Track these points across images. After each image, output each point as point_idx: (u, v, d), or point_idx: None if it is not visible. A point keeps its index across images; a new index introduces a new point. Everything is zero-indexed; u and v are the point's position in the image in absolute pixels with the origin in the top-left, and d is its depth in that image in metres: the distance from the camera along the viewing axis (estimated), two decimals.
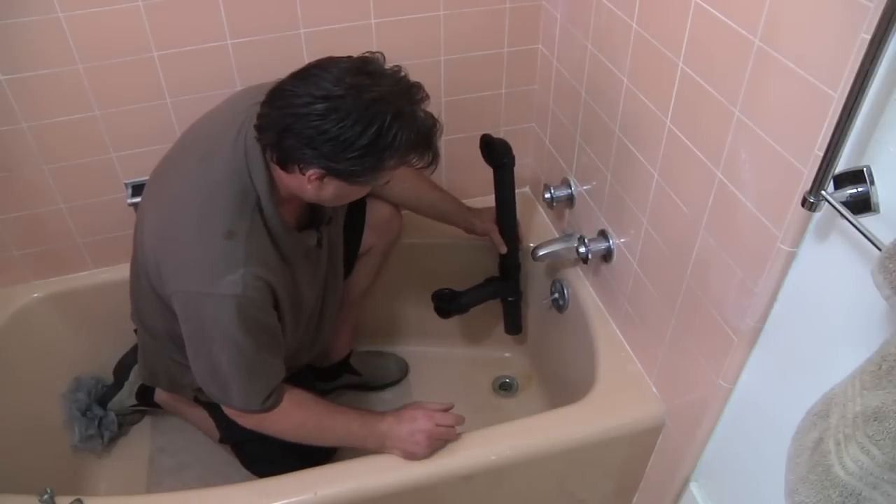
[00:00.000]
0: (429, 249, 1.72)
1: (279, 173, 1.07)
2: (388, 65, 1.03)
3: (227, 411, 1.20)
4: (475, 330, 1.86)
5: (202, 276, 1.06)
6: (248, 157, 1.08)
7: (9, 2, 1.19)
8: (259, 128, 1.03)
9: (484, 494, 1.30)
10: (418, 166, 1.06)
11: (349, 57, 1.03)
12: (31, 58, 1.26)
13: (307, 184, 1.04)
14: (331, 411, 1.24)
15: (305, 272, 1.23)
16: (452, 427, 1.23)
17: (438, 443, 1.21)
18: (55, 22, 1.22)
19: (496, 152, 1.44)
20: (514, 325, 1.71)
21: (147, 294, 1.22)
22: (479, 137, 1.46)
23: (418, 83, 1.03)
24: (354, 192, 1.12)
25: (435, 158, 1.06)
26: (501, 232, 1.54)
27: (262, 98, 1.03)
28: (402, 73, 1.02)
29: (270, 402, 1.16)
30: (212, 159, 1.11)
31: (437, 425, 1.20)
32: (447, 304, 1.54)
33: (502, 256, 1.58)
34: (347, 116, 0.96)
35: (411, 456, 1.20)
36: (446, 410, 1.24)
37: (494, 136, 1.46)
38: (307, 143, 0.98)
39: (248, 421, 1.19)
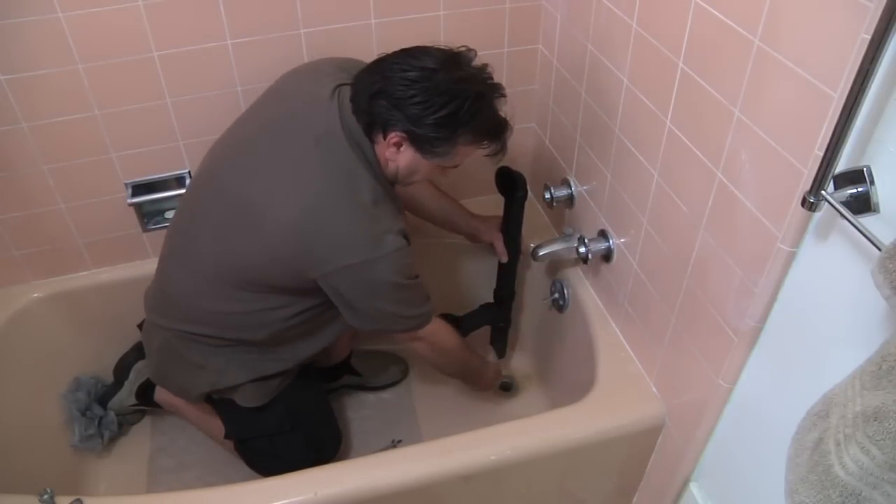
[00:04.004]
0: (430, 249, 1.71)
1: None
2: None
3: (404, 336, 1.33)
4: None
5: (365, 246, 1.15)
6: (354, 131, 1.16)
7: (8, 2, 1.19)
8: (354, 92, 1.15)
9: (484, 494, 1.30)
10: (486, 153, 1.19)
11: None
12: (31, 58, 1.26)
13: (387, 148, 1.15)
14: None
15: None
16: None
17: None
18: (55, 22, 1.22)
19: (513, 184, 1.48)
20: (501, 349, 1.75)
21: (212, 288, 1.25)
22: None
23: (501, 84, 1.16)
24: (423, 169, 1.20)
25: (502, 150, 1.20)
26: (505, 244, 1.55)
27: (337, 71, 1.20)
28: (490, 70, 1.16)
29: (430, 305, 1.30)
30: (328, 141, 1.16)
31: None
32: None
33: (500, 274, 1.59)
34: (436, 87, 1.09)
35: None
36: None
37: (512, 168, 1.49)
38: (395, 105, 1.10)
39: (421, 336, 1.33)
